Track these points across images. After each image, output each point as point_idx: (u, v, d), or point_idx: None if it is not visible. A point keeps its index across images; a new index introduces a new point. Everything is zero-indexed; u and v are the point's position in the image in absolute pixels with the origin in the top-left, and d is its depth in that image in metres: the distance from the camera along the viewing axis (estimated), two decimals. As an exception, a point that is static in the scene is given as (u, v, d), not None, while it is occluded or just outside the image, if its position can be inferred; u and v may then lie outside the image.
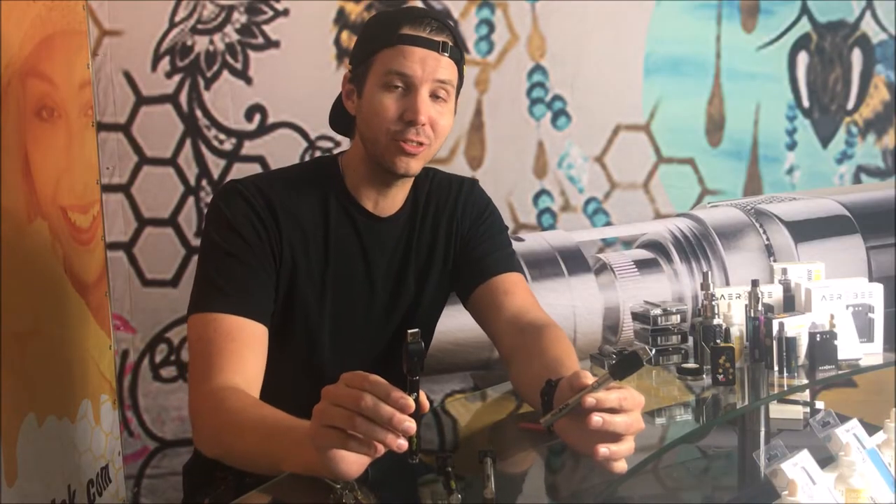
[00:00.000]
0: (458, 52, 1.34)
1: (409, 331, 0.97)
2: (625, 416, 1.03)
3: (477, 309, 1.47)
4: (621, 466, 1.06)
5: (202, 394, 1.22)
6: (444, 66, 1.31)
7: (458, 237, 1.49)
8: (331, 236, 1.39)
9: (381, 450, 0.96)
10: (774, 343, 1.61)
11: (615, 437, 1.04)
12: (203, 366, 1.24)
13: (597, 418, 1.02)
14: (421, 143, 1.32)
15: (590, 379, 1.05)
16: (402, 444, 0.95)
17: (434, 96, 1.32)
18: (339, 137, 1.91)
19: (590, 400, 1.02)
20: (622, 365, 1.03)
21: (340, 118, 1.44)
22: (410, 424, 0.94)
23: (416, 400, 0.95)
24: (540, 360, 1.27)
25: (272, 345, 1.31)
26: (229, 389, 1.19)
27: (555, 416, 1.06)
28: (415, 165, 1.34)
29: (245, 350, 1.26)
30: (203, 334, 1.26)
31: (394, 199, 1.43)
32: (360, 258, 1.42)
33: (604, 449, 1.03)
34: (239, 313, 1.27)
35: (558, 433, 1.11)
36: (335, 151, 1.69)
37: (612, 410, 1.03)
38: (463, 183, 1.53)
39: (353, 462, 0.98)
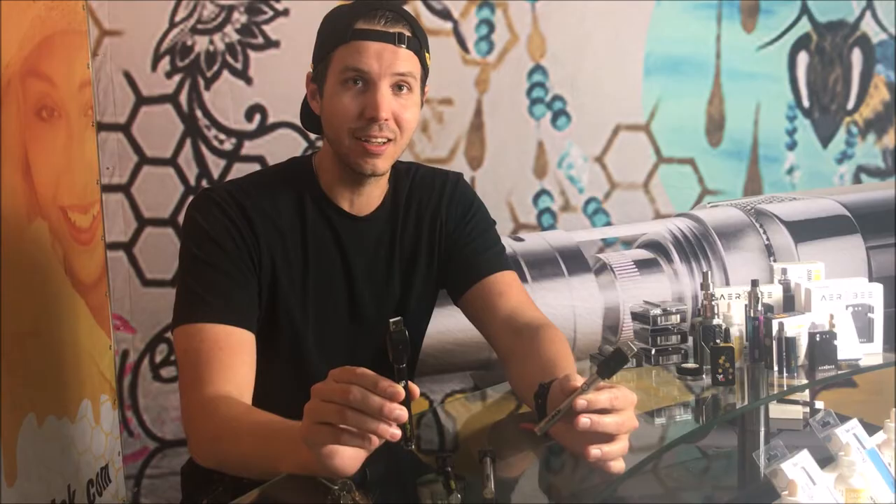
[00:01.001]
0: (416, 42, 1.30)
1: (391, 319, 0.97)
2: (615, 416, 1.03)
3: (470, 310, 1.46)
4: (619, 466, 1.06)
5: (194, 404, 1.21)
6: (402, 59, 1.28)
7: (444, 235, 1.47)
8: (308, 238, 1.38)
9: (376, 441, 0.95)
10: (774, 343, 1.61)
11: (607, 437, 1.04)
12: (193, 377, 1.23)
13: (584, 420, 1.02)
14: (387, 140, 1.29)
15: (580, 381, 1.05)
16: (396, 432, 0.94)
17: (396, 89, 1.29)
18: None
19: (580, 402, 1.02)
20: (608, 363, 1.03)
21: (310, 118, 1.41)
22: (402, 412, 0.93)
23: (406, 387, 0.94)
24: (536, 361, 1.27)
25: (260, 349, 1.30)
26: (221, 398, 1.19)
27: (548, 422, 1.06)
28: (381, 165, 1.32)
29: (234, 358, 1.25)
30: (190, 346, 1.25)
31: (369, 198, 1.41)
32: (338, 259, 1.40)
33: (595, 450, 1.03)
34: (224, 321, 1.26)
35: (554, 436, 1.11)
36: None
37: (604, 411, 1.03)
38: (447, 178, 1.50)
39: (348, 457, 0.97)
